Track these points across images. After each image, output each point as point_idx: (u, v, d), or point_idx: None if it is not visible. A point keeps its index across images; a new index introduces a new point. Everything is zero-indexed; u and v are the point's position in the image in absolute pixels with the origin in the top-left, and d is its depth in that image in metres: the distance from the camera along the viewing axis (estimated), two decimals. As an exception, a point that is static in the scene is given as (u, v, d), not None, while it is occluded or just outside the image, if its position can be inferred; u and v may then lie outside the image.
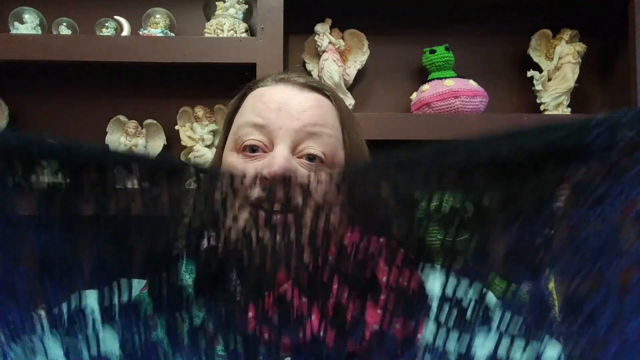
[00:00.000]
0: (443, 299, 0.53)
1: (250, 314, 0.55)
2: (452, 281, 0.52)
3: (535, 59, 1.44)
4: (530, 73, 1.40)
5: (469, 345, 0.52)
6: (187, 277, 0.56)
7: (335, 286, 0.55)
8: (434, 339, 0.53)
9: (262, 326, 0.55)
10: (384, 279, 0.55)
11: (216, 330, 0.55)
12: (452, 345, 0.53)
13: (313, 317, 0.55)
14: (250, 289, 0.55)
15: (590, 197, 0.47)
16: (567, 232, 0.49)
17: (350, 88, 1.44)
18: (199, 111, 1.39)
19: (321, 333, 0.54)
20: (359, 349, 0.55)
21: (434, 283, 0.54)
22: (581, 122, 0.46)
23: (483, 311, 0.52)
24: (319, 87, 0.66)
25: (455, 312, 0.53)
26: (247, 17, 1.42)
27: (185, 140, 1.39)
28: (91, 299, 0.53)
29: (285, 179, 0.56)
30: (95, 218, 0.52)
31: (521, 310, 0.51)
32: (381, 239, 0.56)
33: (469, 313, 0.52)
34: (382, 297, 0.55)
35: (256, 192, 0.56)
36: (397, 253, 0.55)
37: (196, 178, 0.54)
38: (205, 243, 0.56)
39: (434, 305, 0.53)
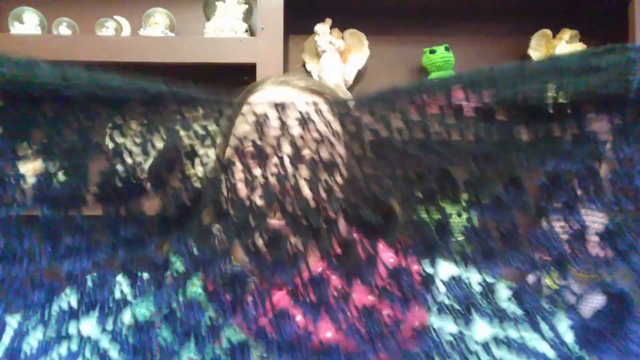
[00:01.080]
0: (468, 233, 0.51)
1: (235, 256, 0.52)
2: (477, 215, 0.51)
3: (535, 59, 1.44)
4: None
5: (490, 286, 0.51)
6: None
7: (341, 222, 0.52)
8: (455, 277, 0.52)
9: (252, 266, 0.51)
10: (400, 214, 0.51)
11: (191, 270, 0.51)
12: (474, 282, 0.52)
13: (312, 257, 0.52)
14: (235, 228, 0.51)
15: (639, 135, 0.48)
16: (614, 167, 0.50)
17: (350, 88, 1.44)
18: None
19: (324, 274, 0.51)
20: (369, 290, 0.52)
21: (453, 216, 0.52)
22: (624, 64, 0.47)
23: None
24: (319, 91, 0.66)
25: (478, 244, 0.51)
26: (247, 17, 1.42)
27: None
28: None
29: (277, 107, 0.51)
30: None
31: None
32: (398, 171, 0.52)
33: (491, 245, 0.51)
34: (398, 234, 0.52)
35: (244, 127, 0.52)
36: (415, 187, 0.51)
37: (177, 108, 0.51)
38: (176, 175, 0.52)
39: (454, 241, 0.51)
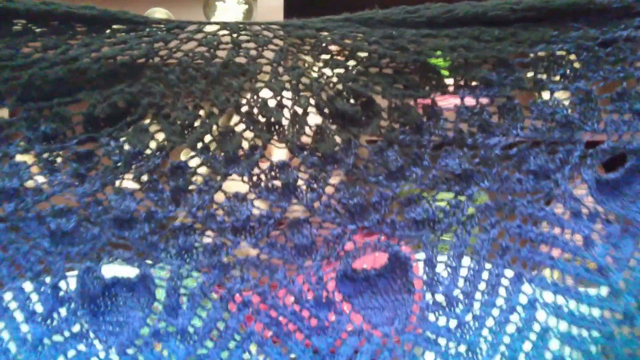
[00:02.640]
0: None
1: (177, 151, 0.51)
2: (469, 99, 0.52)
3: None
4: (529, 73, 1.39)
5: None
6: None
7: (312, 116, 0.52)
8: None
9: (201, 160, 0.51)
10: (385, 105, 0.52)
11: (120, 165, 0.50)
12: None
13: (275, 149, 0.52)
14: (178, 129, 0.51)
15: None
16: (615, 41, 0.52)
17: (350, 88, 1.44)
18: (199, 111, 1.39)
19: (289, 161, 0.51)
20: (346, 172, 0.51)
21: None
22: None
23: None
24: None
25: (473, 120, 0.52)
26: (247, 17, 1.42)
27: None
28: None
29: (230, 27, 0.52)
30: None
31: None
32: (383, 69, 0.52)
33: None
34: (384, 122, 0.52)
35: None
36: (395, 80, 0.52)
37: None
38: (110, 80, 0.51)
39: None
